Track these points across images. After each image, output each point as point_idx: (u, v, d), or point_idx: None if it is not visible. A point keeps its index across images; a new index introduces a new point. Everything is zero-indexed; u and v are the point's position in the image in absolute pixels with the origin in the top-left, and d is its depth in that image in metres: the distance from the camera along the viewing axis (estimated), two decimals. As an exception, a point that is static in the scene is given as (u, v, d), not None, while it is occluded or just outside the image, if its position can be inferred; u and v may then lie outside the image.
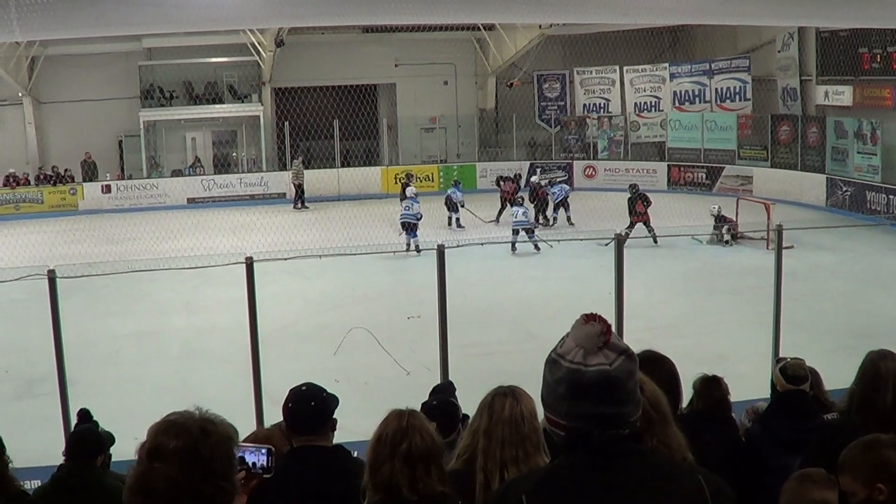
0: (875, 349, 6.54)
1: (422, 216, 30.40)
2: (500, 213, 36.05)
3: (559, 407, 3.22)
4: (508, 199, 35.63)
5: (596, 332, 3.20)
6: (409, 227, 30.01)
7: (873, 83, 37.07)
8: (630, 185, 33.63)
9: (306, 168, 41.88)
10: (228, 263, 13.33)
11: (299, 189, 41.11)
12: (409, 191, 32.13)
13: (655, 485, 3.20)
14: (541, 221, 34.19)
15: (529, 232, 30.71)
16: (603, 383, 3.15)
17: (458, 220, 34.39)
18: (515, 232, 30.60)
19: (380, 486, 4.93)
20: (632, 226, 31.17)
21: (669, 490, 3.20)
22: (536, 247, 29.94)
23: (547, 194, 35.17)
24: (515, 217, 31.16)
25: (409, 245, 29.55)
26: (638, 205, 31.60)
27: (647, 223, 31.11)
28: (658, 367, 5.91)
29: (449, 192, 34.90)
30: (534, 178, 37.10)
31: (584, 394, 3.16)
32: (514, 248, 30.08)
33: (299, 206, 40.63)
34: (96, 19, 14.48)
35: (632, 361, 3.22)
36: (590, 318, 3.27)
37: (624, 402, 3.20)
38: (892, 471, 5.05)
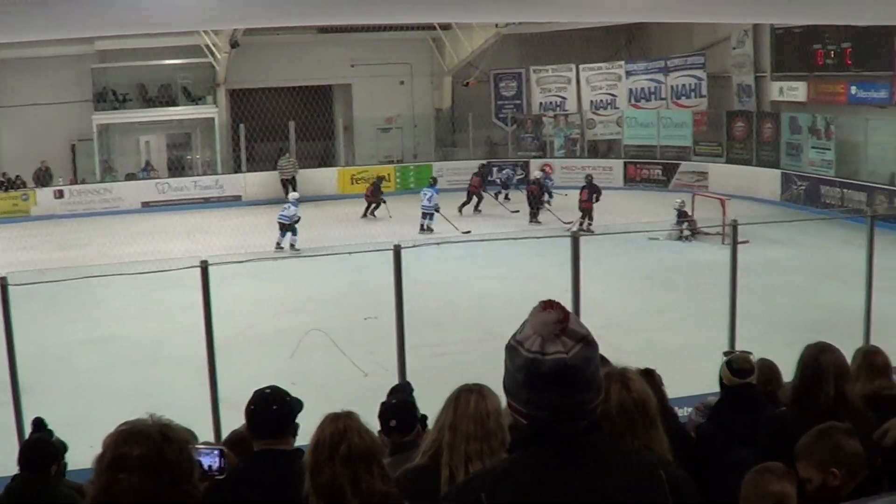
0: (813, 342, 6.63)
1: (299, 218, 30.80)
2: (463, 205, 37.14)
3: (519, 394, 3.20)
4: (474, 193, 37.19)
5: (553, 320, 3.19)
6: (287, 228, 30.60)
7: (827, 79, 37.42)
8: (586, 175, 35.06)
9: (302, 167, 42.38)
10: (184, 267, 13.23)
11: (292, 182, 41.39)
12: (293, 195, 32.52)
13: (614, 478, 3.17)
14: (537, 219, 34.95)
15: (429, 216, 33.34)
16: (560, 372, 3.12)
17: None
18: (424, 216, 33.31)
19: (322, 489, 4.92)
20: (585, 213, 32.40)
21: (628, 484, 3.19)
22: (423, 228, 33.09)
23: (542, 190, 35.48)
24: (423, 201, 33.65)
25: (280, 244, 30.33)
26: (582, 192, 32.81)
27: (588, 212, 31.64)
28: None
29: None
30: (538, 174, 37.61)
31: (542, 383, 3.13)
32: (423, 228, 33.04)
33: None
34: (47, 22, 14.38)
35: (590, 348, 3.20)
36: (547, 306, 3.25)
37: (582, 389, 3.18)
38: (846, 456, 5.16)
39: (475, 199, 37.46)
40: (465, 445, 5.26)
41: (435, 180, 36.23)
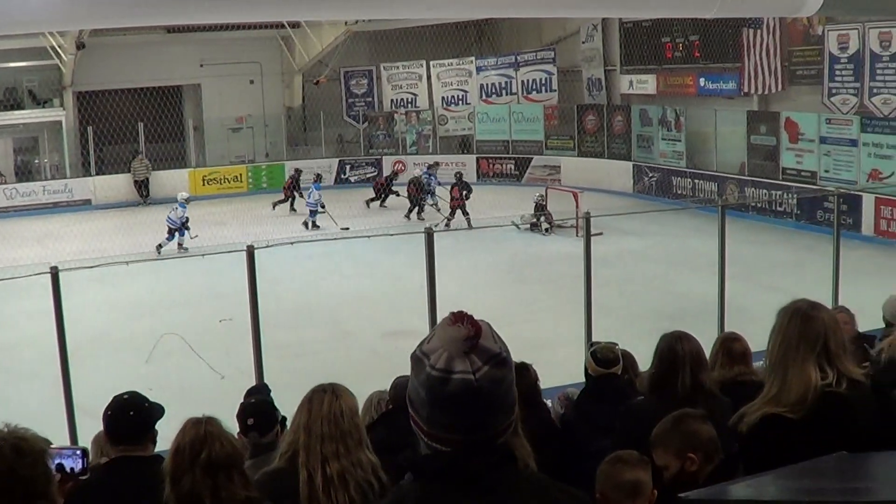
0: (669, 331, 6.71)
1: (187, 219, 30.86)
2: (372, 200, 38.00)
3: (421, 410, 2.98)
4: (380, 191, 38.04)
5: (461, 337, 2.94)
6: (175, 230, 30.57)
7: (676, 71, 38.15)
8: (456, 173, 35.51)
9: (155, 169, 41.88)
10: (32, 274, 12.97)
11: (145, 184, 41.21)
12: (182, 196, 32.01)
13: None
14: (419, 217, 35.05)
15: (313, 213, 33.66)
16: (465, 395, 2.90)
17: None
18: (311, 213, 33.67)
19: (182, 498, 4.83)
20: (452, 211, 32.72)
21: None
22: (307, 224, 33.46)
23: (422, 189, 35.52)
24: (307, 198, 34.32)
25: (182, 245, 30.24)
26: (454, 190, 32.88)
27: (462, 208, 31.91)
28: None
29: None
30: (416, 172, 37.32)
31: (445, 403, 2.92)
32: (308, 225, 33.41)
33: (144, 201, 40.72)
34: None
35: (501, 368, 2.96)
36: (457, 319, 2.99)
37: (490, 412, 2.98)
38: (702, 441, 5.26)
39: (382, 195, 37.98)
40: (320, 446, 5.25)
41: (319, 177, 36.25)
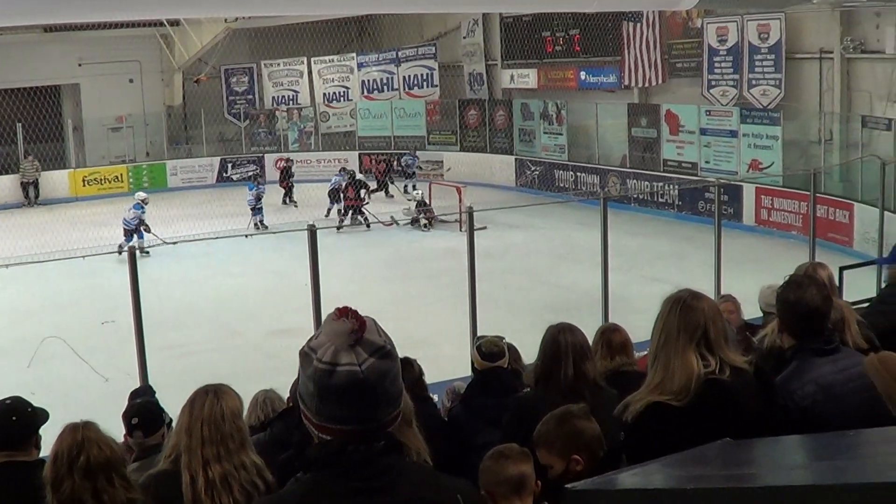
0: (555, 323, 6.74)
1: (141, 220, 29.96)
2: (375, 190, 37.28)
3: (311, 404, 3.07)
4: (379, 180, 38.07)
5: (346, 330, 3.04)
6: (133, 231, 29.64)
7: (557, 65, 38.49)
8: (349, 174, 34.76)
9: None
10: None
11: (34, 185, 40.56)
12: (139, 195, 31.42)
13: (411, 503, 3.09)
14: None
15: (255, 210, 32.74)
16: (351, 386, 3.00)
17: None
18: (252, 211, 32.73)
19: (64, 503, 4.78)
20: (346, 210, 32.43)
21: None
22: (259, 224, 32.01)
23: (340, 193, 35.32)
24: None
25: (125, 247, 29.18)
26: (349, 190, 32.52)
27: (358, 208, 31.74)
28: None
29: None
30: (359, 175, 37.06)
31: (333, 395, 3.02)
32: (260, 226, 32.09)
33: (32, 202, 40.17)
34: None
35: (387, 360, 3.07)
36: (342, 314, 3.10)
37: (376, 403, 3.07)
38: (586, 440, 5.26)
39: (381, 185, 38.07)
40: (200, 448, 5.21)
41: (255, 177, 36.28)
